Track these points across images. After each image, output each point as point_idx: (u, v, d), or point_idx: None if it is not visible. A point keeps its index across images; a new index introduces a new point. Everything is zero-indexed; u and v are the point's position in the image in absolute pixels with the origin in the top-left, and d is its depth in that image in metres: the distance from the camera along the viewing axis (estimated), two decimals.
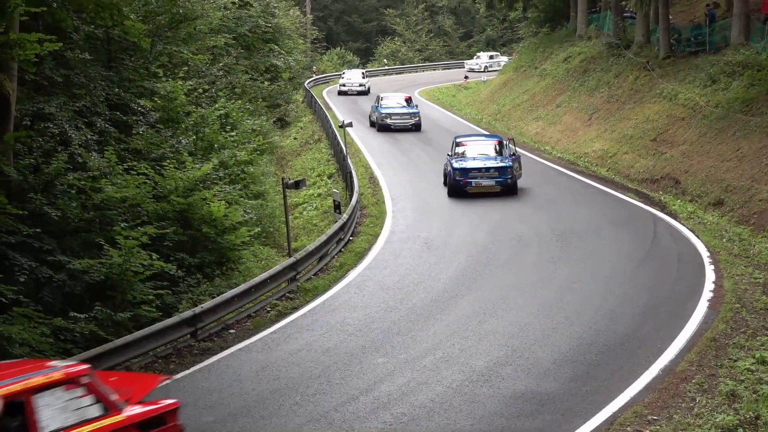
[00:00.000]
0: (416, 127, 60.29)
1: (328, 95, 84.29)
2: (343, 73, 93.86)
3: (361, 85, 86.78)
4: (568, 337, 21.65)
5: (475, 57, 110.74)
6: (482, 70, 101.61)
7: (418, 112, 62.03)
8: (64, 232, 26.77)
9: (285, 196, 30.78)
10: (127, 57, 36.05)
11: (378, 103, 63.22)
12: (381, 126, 60.78)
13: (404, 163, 48.60)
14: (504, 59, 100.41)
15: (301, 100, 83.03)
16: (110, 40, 34.07)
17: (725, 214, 33.34)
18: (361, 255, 30.90)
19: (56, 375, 13.45)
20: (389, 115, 61.00)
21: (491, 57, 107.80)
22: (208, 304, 24.10)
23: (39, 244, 25.49)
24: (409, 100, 63.47)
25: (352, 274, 28.70)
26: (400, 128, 60.42)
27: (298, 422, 17.63)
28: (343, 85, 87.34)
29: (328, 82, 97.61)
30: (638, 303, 24.05)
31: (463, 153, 40.82)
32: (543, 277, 27.14)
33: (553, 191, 40.00)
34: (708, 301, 23.68)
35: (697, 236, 30.63)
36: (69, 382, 13.52)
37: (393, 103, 62.84)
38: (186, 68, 42.12)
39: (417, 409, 17.86)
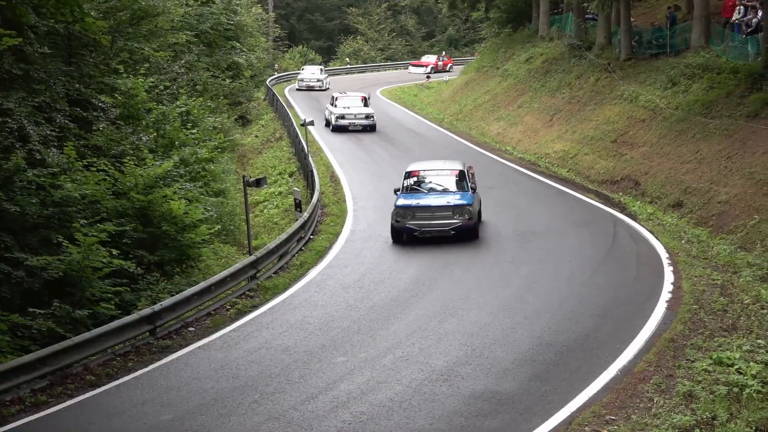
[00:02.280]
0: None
1: (290, 93, 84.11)
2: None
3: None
4: (528, 336, 21.71)
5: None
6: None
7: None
8: (22, 228, 26.57)
9: (246, 194, 30.71)
10: (88, 53, 35.84)
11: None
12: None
13: (366, 162, 48.58)
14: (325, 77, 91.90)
15: (262, 98, 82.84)
16: (71, 35, 33.85)
17: (684, 216, 33.52)
18: (321, 254, 30.87)
19: None
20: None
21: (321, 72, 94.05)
22: (168, 301, 24.03)
23: None
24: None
25: (313, 273, 28.67)
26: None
27: (257, 420, 17.61)
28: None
29: (290, 80, 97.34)
30: (597, 303, 24.15)
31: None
32: (503, 277, 27.20)
33: (514, 192, 40.06)
34: (666, 302, 23.79)
35: (657, 237, 30.77)
36: None
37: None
38: (147, 65, 41.94)
39: (376, 408, 17.87)
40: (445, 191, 32.32)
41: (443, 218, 31.12)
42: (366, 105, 61.22)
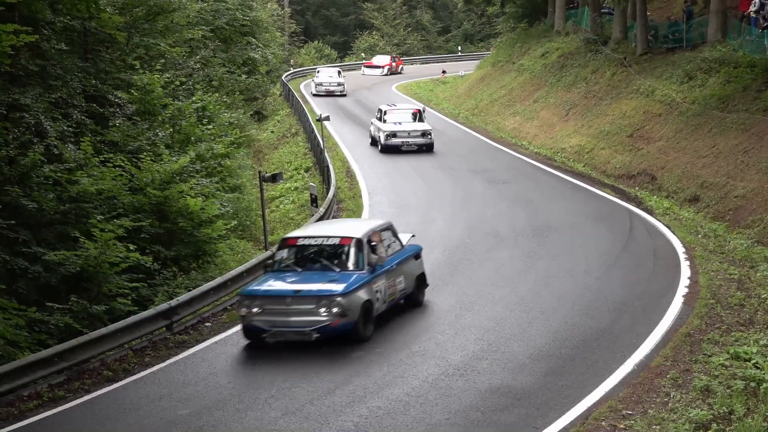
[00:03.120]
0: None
1: (305, 89, 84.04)
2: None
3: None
4: (544, 331, 21.69)
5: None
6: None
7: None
8: (39, 224, 26.68)
9: (262, 190, 30.76)
10: (104, 49, 35.93)
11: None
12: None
13: (381, 158, 48.51)
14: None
15: (278, 93, 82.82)
16: (87, 32, 33.91)
17: (701, 210, 33.44)
18: None
19: None
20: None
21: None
22: (184, 297, 24.10)
23: (14, 235, 25.41)
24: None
25: None
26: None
27: (273, 416, 17.63)
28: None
29: (305, 76, 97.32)
30: (614, 298, 24.11)
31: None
32: (519, 272, 27.18)
33: (530, 187, 40.01)
34: (683, 296, 23.76)
35: (673, 232, 30.72)
36: None
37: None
38: (163, 60, 42.00)
39: (393, 403, 17.88)
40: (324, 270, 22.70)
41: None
42: (420, 120, 50.90)
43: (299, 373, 19.85)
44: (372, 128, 52.37)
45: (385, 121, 50.22)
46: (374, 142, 51.86)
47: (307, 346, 21.24)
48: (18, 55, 28.50)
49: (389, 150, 48.76)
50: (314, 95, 77.33)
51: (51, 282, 25.18)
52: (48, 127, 28.90)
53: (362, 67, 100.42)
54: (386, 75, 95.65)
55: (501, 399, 17.88)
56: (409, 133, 49.14)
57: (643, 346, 20.38)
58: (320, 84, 78.80)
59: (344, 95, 76.96)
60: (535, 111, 56.97)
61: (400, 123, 49.85)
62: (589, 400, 17.59)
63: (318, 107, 67.05)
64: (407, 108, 53.21)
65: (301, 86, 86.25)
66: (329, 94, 77.41)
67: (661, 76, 46.03)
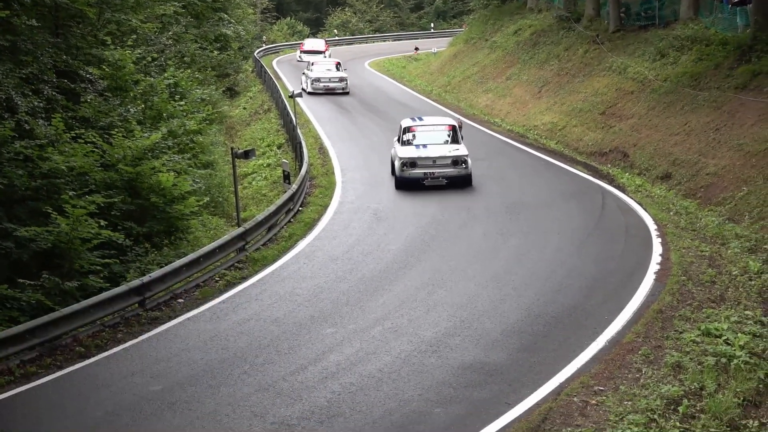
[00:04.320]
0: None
1: (278, 65, 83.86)
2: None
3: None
4: (516, 308, 21.76)
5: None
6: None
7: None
8: (10, 200, 26.54)
9: (234, 166, 30.69)
10: (75, 24, 35.70)
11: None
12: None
13: (354, 134, 48.50)
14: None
15: (250, 70, 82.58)
16: (57, 7, 33.67)
17: (673, 188, 33.58)
18: (310, 225, 30.86)
19: None
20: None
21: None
22: (156, 273, 24.03)
23: None
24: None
25: (302, 245, 28.67)
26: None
27: (246, 391, 17.65)
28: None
29: (278, 52, 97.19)
30: (586, 275, 24.20)
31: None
32: (492, 249, 27.22)
33: (503, 164, 40.05)
34: (655, 273, 23.86)
35: (645, 209, 30.82)
36: None
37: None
38: (135, 36, 41.75)
39: (365, 379, 17.93)
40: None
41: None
42: (455, 140, 45.30)
43: (272, 349, 19.87)
44: (392, 151, 39.02)
45: (404, 143, 36.97)
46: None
47: (277, 322, 21.35)
48: None
49: (405, 185, 35.64)
50: (310, 94, 62.81)
51: (22, 258, 25.08)
52: (18, 103, 28.71)
53: (299, 53, 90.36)
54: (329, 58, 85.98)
55: (473, 375, 17.94)
56: (434, 161, 35.72)
57: (615, 322, 20.48)
58: (317, 80, 64.50)
59: (347, 93, 63.76)
60: (507, 88, 57.02)
61: (425, 146, 36.41)
62: (561, 376, 17.68)
63: (290, 83, 66.93)
64: (438, 124, 38.80)
65: (274, 62, 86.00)
66: (329, 92, 63.89)
67: (633, 54, 46.15)
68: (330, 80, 64.63)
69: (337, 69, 66.48)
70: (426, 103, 60.09)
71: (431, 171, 35.31)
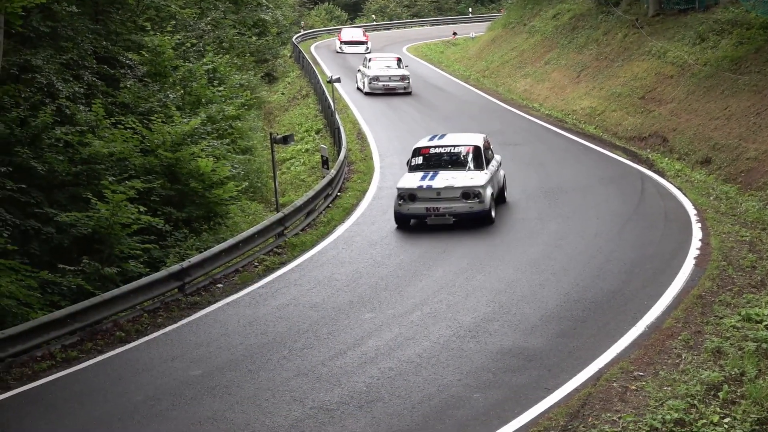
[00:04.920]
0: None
1: (316, 50, 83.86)
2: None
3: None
4: (556, 293, 21.70)
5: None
6: None
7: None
8: (51, 185, 26.75)
9: (273, 151, 30.77)
10: (115, 10, 35.91)
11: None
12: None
13: (392, 119, 48.48)
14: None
15: (288, 55, 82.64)
16: None
17: (712, 172, 33.38)
18: (348, 210, 30.91)
19: None
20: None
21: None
22: (196, 258, 24.14)
23: (26, 198, 25.47)
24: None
25: (340, 230, 28.72)
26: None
27: (285, 376, 17.70)
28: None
29: (316, 38, 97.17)
30: (625, 260, 24.09)
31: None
32: (530, 234, 27.16)
33: (541, 149, 39.93)
34: (695, 258, 23.72)
35: (685, 194, 30.66)
36: None
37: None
38: (174, 22, 41.91)
39: (404, 364, 17.94)
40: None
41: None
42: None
43: (311, 334, 19.92)
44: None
45: (412, 168, 29.59)
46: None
47: (316, 307, 21.45)
48: (29, 17, 28.49)
49: (406, 224, 28.83)
50: (366, 94, 56.89)
51: (63, 243, 25.27)
52: (59, 88, 28.92)
53: (338, 43, 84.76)
54: (368, 53, 76.22)
55: (512, 360, 17.91)
56: (439, 193, 28.01)
57: (655, 307, 20.37)
58: (375, 78, 56.76)
59: (409, 93, 56.51)
60: (546, 73, 56.80)
61: (434, 174, 28.70)
62: (600, 362, 17.60)
63: (329, 69, 66.91)
64: (460, 144, 30.03)
65: (312, 48, 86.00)
66: (389, 92, 56.47)
67: (673, 38, 45.86)
68: (390, 79, 56.43)
69: (398, 66, 58.05)
70: (463, 87, 59.97)
71: (435, 206, 27.91)
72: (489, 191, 27.86)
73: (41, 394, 18.05)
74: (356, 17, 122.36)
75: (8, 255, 23.06)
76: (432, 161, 29.35)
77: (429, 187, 27.92)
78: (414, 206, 27.96)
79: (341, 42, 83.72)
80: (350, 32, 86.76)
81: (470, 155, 29.02)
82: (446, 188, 27.76)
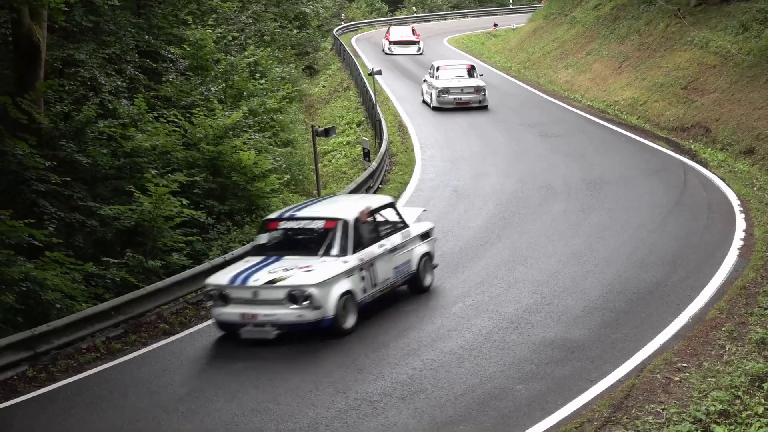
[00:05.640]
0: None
1: (356, 43, 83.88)
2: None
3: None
4: (598, 284, 21.66)
5: None
6: None
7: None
8: (94, 179, 26.95)
9: (314, 144, 30.80)
10: (157, 4, 36.13)
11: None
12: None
13: (433, 112, 48.38)
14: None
15: (329, 47, 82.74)
16: None
17: (756, 163, 33.17)
18: None
19: None
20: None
21: None
22: (239, 251, 24.17)
23: (69, 192, 25.67)
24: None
25: None
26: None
27: (327, 369, 17.73)
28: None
29: (356, 30, 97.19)
30: (668, 251, 24.01)
31: None
32: (572, 226, 27.11)
33: (583, 140, 39.82)
34: (738, 249, 23.63)
35: (728, 185, 30.52)
36: None
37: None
38: (215, 15, 42.11)
39: (446, 356, 17.95)
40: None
41: None
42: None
43: (355, 325, 19.92)
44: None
45: (254, 248, 21.52)
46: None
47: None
48: (72, 12, 28.72)
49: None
50: (435, 109, 48.81)
51: (107, 236, 25.45)
52: (102, 83, 29.12)
53: (386, 44, 76.34)
54: (420, 54, 73.55)
55: (555, 352, 17.89)
56: (255, 294, 19.28)
57: (698, 299, 20.31)
58: (444, 91, 48.56)
59: (485, 106, 48.52)
60: (587, 63, 56.58)
61: (269, 263, 20.03)
62: (643, 353, 17.55)
63: (369, 61, 66.92)
64: (319, 217, 21.22)
65: (353, 40, 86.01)
66: (461, 105, 48.32)
67: (715, 27, 45.55)
68: (462, 91, 48.08)
69: (470, 75, 49.52)
70: (505, 79, 59.87)
71: (252, 312, 19.36)
72: (336, 291, 19.10)
73: (87, 386, 18.20)
74: (396, 9, 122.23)
75: (53, 248, 23.24)
76: (281, 241, 21.19)
77: (243, 283, 19.42)
78: (225, 311, 19.43)
79: (390, 42, 75.47)
80: (399, 31, 78.33)
81: (331, 234, 20.35)
82: (265, 286, 19.17)
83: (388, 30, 78.49)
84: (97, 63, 29.50)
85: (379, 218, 21.50)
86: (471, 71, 49.89)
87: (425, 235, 22.43)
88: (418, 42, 74.74)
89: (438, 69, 49.77)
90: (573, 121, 44.60)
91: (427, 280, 22.14)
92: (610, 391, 16.04)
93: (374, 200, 23.20)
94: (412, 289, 21.82)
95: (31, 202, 24.87)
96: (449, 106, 47.93)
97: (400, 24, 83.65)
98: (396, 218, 22.02)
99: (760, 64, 38.90)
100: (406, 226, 21.93)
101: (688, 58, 45.32)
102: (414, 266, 21.62)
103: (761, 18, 42.34)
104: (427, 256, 22.16)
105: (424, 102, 50.32)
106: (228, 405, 16.43)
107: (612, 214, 27.98)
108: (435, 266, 22.58)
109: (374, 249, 20.42)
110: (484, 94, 48.20)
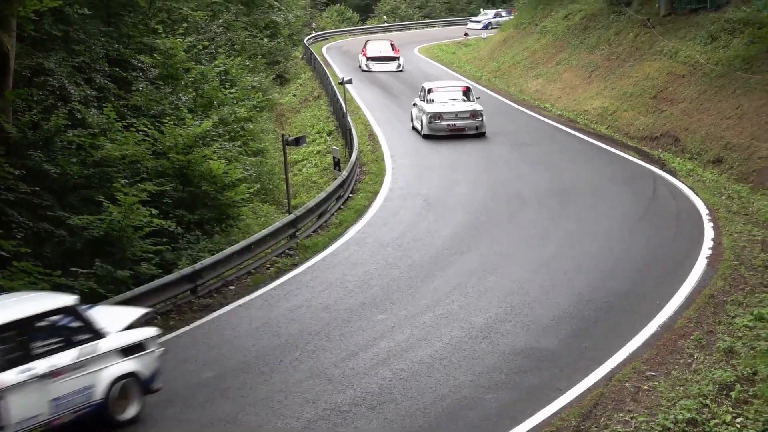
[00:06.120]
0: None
1: (327, 52, 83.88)
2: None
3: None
4: (567, 293, 21.72)
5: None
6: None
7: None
8: (63, 188, 26.76)
9: (285, 153, 30.79)
10: (126, 13, 35.97)
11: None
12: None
13: (404, 120, 48.38)
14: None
15: (300, 56, 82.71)
16: None
17: (724, 172, 33.33)
18: (360, 212, 30.92)
19: None
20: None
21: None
22: (208, 260, 24.17)
23: (39, 200, 25.51)
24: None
25: (352, 231, 28.74)
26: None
27: (298, 378, 17.72)
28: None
29: (327, 39, 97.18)
30: (637, 260, 24.10)
31: None
32: (542, 235, 27.17)
33: (553, 149, 39.94)
34: (707, 258, 23.73)
35: (696, 194, 30.66)
36: None
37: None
38: (185, 24, 41.95)
39: (416, 365, 17.96)
40: None
41: None
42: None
43: (323, 335, 19.94)
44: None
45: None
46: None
47: (328, 309, 21.45)
48: (41, 20, 28.57)
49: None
50: (426, 137, 43.39)
51: (76, 246, 25.28)
52: (71, 92, 28.98)
53: (363, 60, 71.04)
54: (401, 71, 68.84)
55: (524, 361, 17.93)
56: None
57: (667, 307, 20.39)
58: (436, 116, 43.19)
59: (483, 133, 43.26)
60: (557, 73, 56.77)
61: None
62: (612, 362, 17.63)
63: (340, 70, 66.91)
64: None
65: (323, 49, 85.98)
66: (456, 132, 43.06)
67: (684, 38, 45.78)
68: (457, 116, 42.96)
69: (467, 98, 44.53)
70: (476, 88, 59.73)
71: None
72: None
73: None
74: (368, 18, 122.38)
75: (21, 257, 23.07)
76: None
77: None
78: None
79: (367, 58, 70.14)
80: (377, 46, 72.32)
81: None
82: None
83: (365, 45, 72.33)
84: (66, 72, 29.34)
85: (44, 325, 15.72)
86: (467, 93, 44.80)
87: (132, 349, 16.52)
88: (398, 58, 70.09)
89: (429, 91, 44.60)
90: (543, 130, 44.71)
91: (129, 412, 16.22)
92: (579, 400, 16.10)
93: (32, 305, 15.93)
94: (101, 422, 15.88)
95: None
96: (442, 134, 42.86)
97: (378, 38, 77.34)
98: (77, 326, 15.94)
99: (729, 73, 39.11)
100: (97, 337, 15.92)
101: (658, 68, 45.53)
102: (99, 394, 15.71)
103: (729, 28, 42.59)
104: (132, 378, 16.30)
105: (414, 129, 45.24)
106: (196, 416, 16.39)
107: (581, 223, 28.06)
108: (154, 390, 16.83)
109: (7, 376, 14.33)
110: (482, 120, 43.02)
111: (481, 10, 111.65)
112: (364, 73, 66.72)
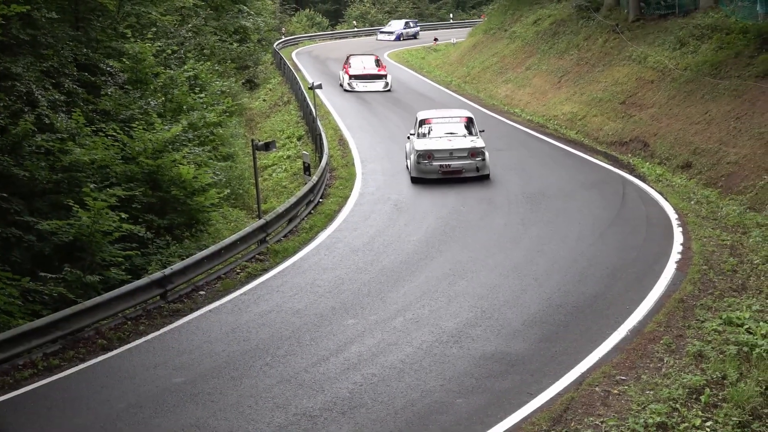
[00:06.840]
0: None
1: (297, 57, 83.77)
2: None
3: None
4: (538, 298, 21.74)
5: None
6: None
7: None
8: (32, 193, 26.65)
9: (255, 158, 30.71)
10: (95, 17, 35.85)
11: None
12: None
13: (374, 125, 48.46)
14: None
15: (270, 62, 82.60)
16: (78, 0, 33.81)
17: (693, 177, 33.47)
18: (330, 217, 30.87)
19: None
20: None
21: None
22: (178, 265, 24.07)
23: (7, 205, 25.39)
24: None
25: (322, 236, 28.69)
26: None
27: (268, 383, 17.68)
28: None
29: (297, 44, 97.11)
30: (607, 265, 24.15)
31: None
32: (513, 239, 27.19)
33: (523, 154, 39.99)
34: (676, 262, 23.80)
35: (666, 198, 30.76)
36: None
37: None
38: (155, 29, 41.91)
39: (387, 370, 17.94)
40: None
41: None
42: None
43: (294, 340, 19.90)
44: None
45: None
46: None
47: (298, 314, 21.42)
48: (9, 25, 28.44)
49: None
50: (414, 180, 35.43)
51: (44, 251, 25.17)
52: (39, 96, 28.84)
53: (345, 79, 62.35)
54: (388, 90, 60.75)
55: (495, 365, 17.94)
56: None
57: (637, 312, 20.44)
58: (426, 155, 34.93)
59: (487, 176, 35.17)
60: (527, 78, 56.91)
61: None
62: (582, 366, 17.66)
63: (310, 75, 66.84)
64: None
65: (293, 54, 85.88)
66: (451, 175, 35.00)
67: (653, 43, 45.99)
68: (452, 155, 34.93)
69: (469, 131, 36.32)
70: (445, 93, 60.03)
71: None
72: None
73: (23, 403, 17.97)
74: (337, 23, 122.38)
75: None
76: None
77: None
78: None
79: (350, 77, 61.84)
80: (361, 62, 63.86)
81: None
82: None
83: (347, 61, 64.48)
84: (34, 76, 29.21)
85: None
86: (468, 126, 36.54)
87: None
88: (385, 76, 61.72)
89: (422, 123, 36.88)
90: (513, 135, 44.79)
91: None
92: (550, 404, 16.14)
93: None
94: None
95: None
96: (433, 177, 34.96)
97: (361, 54, 67.52)
98: None
99: (697, 79, 39.30)
100: None
101: (627, 73, 45.72)
102: None
103: (698, 34, 42.82)
104: None
105: (408, 168, 36.91)
106: (167, 421, 16.33)
107: (552, 228, 28.11)
108: None
109: None
110: (483, 160, 35.01)
111: (391, 22, 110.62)
112: (333, 76, 66.53)
